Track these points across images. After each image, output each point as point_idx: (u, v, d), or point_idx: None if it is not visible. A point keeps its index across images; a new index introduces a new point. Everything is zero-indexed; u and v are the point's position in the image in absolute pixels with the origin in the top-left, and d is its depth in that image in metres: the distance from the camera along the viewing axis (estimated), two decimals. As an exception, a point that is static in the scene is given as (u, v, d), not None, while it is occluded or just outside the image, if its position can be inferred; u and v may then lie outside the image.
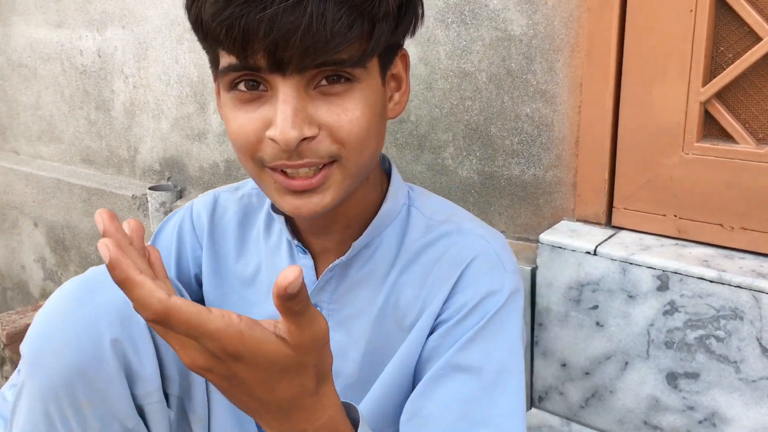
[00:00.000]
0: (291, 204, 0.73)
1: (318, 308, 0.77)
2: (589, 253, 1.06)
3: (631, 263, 1.03)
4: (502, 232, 1.23)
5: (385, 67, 0.75)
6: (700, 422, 1.01)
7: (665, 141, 1.05)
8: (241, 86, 0.70)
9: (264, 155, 0.71)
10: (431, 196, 0.89)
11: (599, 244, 1.06)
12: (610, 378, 1.08)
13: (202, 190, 1.66)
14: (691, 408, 1.02)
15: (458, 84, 1.21)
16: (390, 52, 0.75)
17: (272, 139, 0.68)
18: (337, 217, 0.81)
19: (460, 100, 1.22)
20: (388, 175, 0.86)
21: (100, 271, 0.78)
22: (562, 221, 1.16)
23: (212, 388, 0.84)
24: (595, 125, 1.10)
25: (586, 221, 1.14)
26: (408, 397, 0.78)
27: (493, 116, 1.19)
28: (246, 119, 0.70)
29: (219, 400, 0.84)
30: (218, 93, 0.79)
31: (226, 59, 0.70)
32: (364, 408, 0.81)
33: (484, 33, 1.17)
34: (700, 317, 0.98)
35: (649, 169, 1.07)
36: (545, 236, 1.10)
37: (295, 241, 0.84)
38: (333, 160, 0.72)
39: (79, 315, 0.74)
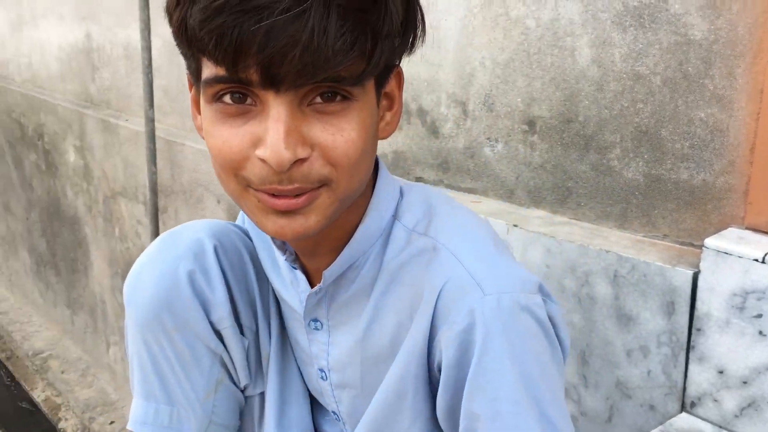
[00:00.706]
0: (275, 224, 0.69)
1: (319, 323, 0.84)
2: (757, 260, 1.05)
3: (802, 274, 1.01)
4: (664, 236, 1.24)
5: (380, 85, 0.72)
6: None
7: None
8: (227, 98, 0.66)
9: (250, 176, 0.67)
10: (418, 200, 0.82)
11: (768, 253, 1.05)
12: (770, 390, 1.06)
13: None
14: None
15: (631, 86, 1.23)
16: (386, 71, 0.72)
17: (262, 160, 0.65)
18: (321, 242, 0.79)
19: (631, 102, 1.24)
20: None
21: (183, 224, 0.90)
22: (730, 228, 1.15)
23: (274, 331, 0.91)
24: (773, 133, 1.08)
25: (756, 230, 1.13)
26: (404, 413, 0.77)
27: (665, 119, 1.20)
28: (231, 134, 0.66)
29: (277, 343, 0.91)
30: (195, 102, 0.75)
31: (211, 70, 0.65)
32: (366, 420, 0.81)
33: (662, 37, 1.18)
34: None
35: (829, 180, 1.05)
36: (711, 241, 1.10)
37: (290, 259, 0.83)
38: (322, 184, 0.68)
39: (161, 257, 0.86)
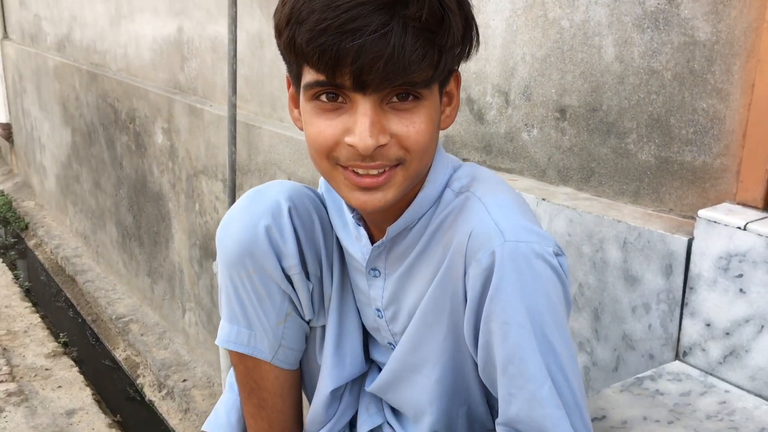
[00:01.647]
0: (358, 199, 0.87)
1: (378, 271, 1.03)
2: (739, 228, 1.23)
3: (775, 239, 1.19)
4: (670, 210, 1.43)
5: (442, 86, 0.88)
6: (823, 384, 1.15)
7: (824, 138, 1.20)
8: (323, 98, 0.83)
9: (339, 156, 0.85)
10: (467, 172, 0.98)
11: (750, 222, 1.23)
12: (747, 339, 1.24)
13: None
14: (816, 371, 1.16)
15: (647, 80, 1.43)
16: (448, 74, 0.89)
17: (351, 145, 0.83)
18: (386, 211, 0.94)
19: (646, 93, 1.43)
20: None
21: (268, 183, 1.09)
22: (724, 203, 1.34)
23: (336, 277, 1.10)
24: (761, 121, 1.26)
25: (745, 204, 1.31)
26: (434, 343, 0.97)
27: (674, 109, 1.39)
28: (326, 125, 0.84)
29: (337, 287, 1.10)
30: (293, 99, 0.93)
31: (312, 76, 0.82)
32: (403, 340, 1.02)
33: (674, 37, 1.37)
34: (831, 290, 1.13)
35: (806, 162, 1.22)
36: (703, 212, 1.29)
37: (356, 218, 1.01)
38: (398, 163, 0.86)
39: (247, 211, 1.04)
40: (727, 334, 1.28)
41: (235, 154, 2.71)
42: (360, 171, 0.86)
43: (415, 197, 0.96)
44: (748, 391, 1.25)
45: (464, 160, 1.87)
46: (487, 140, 1.80)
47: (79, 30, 4.59)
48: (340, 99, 0.83)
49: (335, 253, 1.11)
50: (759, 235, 1.21)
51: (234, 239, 1.04)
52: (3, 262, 4.84)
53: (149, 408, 3.39)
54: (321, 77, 0.81)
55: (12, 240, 5.53)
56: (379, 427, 1.15)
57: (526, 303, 0.85)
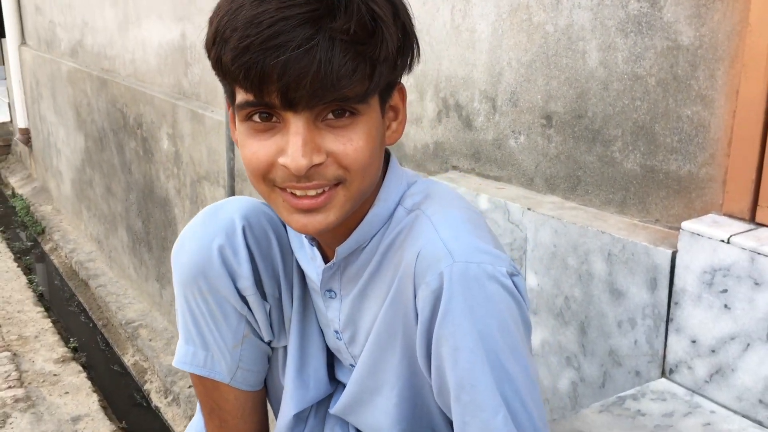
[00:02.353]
0: (298, 222, 0.85)
1: (333, 293, 0.99)
2: (723, 241, 1.18)
3: (759, 253, 1.13)
4: (656, 220, 1.38)
5: (384, 100, 0.85)
6: (809, 406, 1.10)
7: (811, 147, 1.14)
8: (256, 118, 0.80)
9: (275, 177, 0.82)
10: (421, 188, 0.94)
11: (734, 235, 1.18)
12: (733, 357, 1.19)
13: (415, 167, 1.96)
14: (803, 392, 1.10)
15: (631, 86, 1.38)
16: (389, 87, 0.84)
17: (285, 166, 0.80)
18: (336, 231, 0.91)
19: (631, 100, 1.38)
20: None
21: (226, 200, 1.05)
22: (710, 214, 1.28)
23: (296, 298, 1.06)
24: (747, 129, 1.21)
25: (731, 216, 1.25)
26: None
27: (658, 116, 1.34)
28: (259, 146, 0.81)
29: (298, 308, 1.07)
30: (233, 120, 0.89)
31: (242, 96, 0.79)
32: (360, 362, 0.99)
33: (657, 42, 1.32)
34: (817, 308, 1.07)
35: (793, 172, 1.17)
36: (687, 224, 1.23)
37: (309, 238, 0.98)
38: (338, 183, 0.82)
39: (201, 229, 1.01)
40: (713, 351, 1.22)
41: (234, 160, 2.69)
42: (298, 192, 0.83)
43: (363, 216, 0.92)
44: (735, 412, 1.20)
45: (453, 168, 1.83)
46: (475, 147, 1.75)
47: (91, 36, 4.61)
48: (274, 119, 0.80)
49: (295, 272, 1.08)
50: (743, 248, 1.15)
51: (188, 258, 1.02)
52: (18, 266, 4.88)
53: (155, 414, 3.39)
54: (250, 97, 0.78)
55: (29, 244, 5.58)
56: (345, 449, 1.12)
57: (478, 327, 0.81)
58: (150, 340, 3.86)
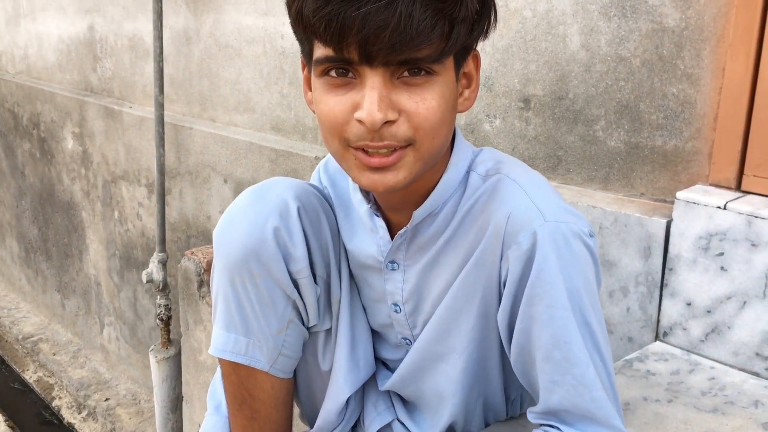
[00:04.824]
0: (369, 179, 0.84)
1: (396, 264, 0.99)
2: (719, 207, 1.27)
3: (756, 216, 1.23)
4: (641, 194, 1.46)
5: (459, 65, 0.85)
6: (807, 354, 1.20)
7: (794, 119, 1.25)
8: (333, 73, 0.81)
9: (350, 135, 0.82)
10: (489, 156, 0.95)
11: (729, 201, 1.27)
12: (730, 315, 1.28)
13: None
14: (800, 341, 1.20)
15: (614, 67, 1.45)
16: (464, 53, 0.84)
17: (359, 121, 0.79)
18: (407, 197, 0.92)
19: (614, 81, 1.46)
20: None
21: (270, 180, 1.02)
22: (697, 185, 1.37)
23: (344, 279, 1.05)
24: (733, 104, 1.31)
25: (718, 185, 1.35)
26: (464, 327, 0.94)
27: (643, 95, 1.42)
28: (336, 101, 0.81)
29: (346, 289, 1.06)
30: (307, 80, 0.90)
31: (321, 51, 0.80)
32: (428, 329, 0.98)
33: (642, 25, 1.40)
34: (813, 263, 1.17)
35: (778, 142, 1.27)
36: (682, 193, 1.32)
37: (373, 209, 0.97)
38: (408, 144, 0.82)
39: (251, 210, 0.97)
40: (709, 312, 1.31)
41: (164, 156, 2.58)
42: (370, 150, 0.82)
43: (436, 183, 0.92)
44: (732, 366, 1.29)
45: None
46: (445, 133, 1.78)
47: (-32, 31, 4.26)
48: (350, 74, 0.80)
49: (342, 253, 1.06)
50: (739, 213, 1.24)
51: (238, 240, 0.96)
52: None
53: (68, 431, 3.18)
54: (329, 51, 0.78)
55: None
56: (388, 425, 1.10)
57: (568, 285, 0.84)
58: (54, 354, 3.61)
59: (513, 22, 1.60)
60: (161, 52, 2.50)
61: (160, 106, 2.53)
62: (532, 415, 0.89)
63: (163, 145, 2.57)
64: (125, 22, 2.90)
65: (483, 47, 1.66)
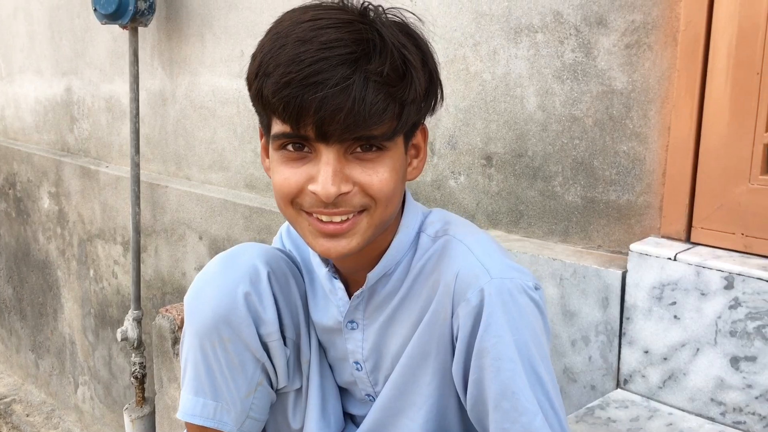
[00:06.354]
0: (322, 246, 0.89)
1: (355, 323, 1.04)
2: (670, 258, 1.33)
3: (704, 267, 1.29)
4: (598, 246, 1.52)
5: (408, 138, 0.91)
6: (757, 398, 1.25)
7: (735, 174, 1.33)
8: (290, 147, 0.86)
9: (303, 202, 0.88)
10: (438, 217, 1.01)
11: (679, 252, 1.33)
12: (685, 362, 1.33)
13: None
14: (750, 386, 1.26)
15: (569, 127, 1.53)
16: (413, 127, 0.91)
17: (314, 193, 0.85)
18: (361, 260, 0.97)
19: (569, 139, 1.54)
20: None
21: (240, 246, 1.07)
22: (650, 237, 1.44)
23: (313, 339, 1.09)
24: (679, 161, 1.38)
25: (669, 237, 1.42)
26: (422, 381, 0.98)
27: (596, 152, 1.50)
28: (291, 173, 0.87)
29: (315, 349, 1.10)
30: (265, 149, 0.95)
31: (279, 127, 0.85)
32: (388, 385, 1.02)
33: (593, 87, 1.49)
34: (758, 310, 1.24)
35: (722, 196, 1.35)
36: (635, 246, 1.38)
37: (331, 272, 1.01)
38: (362, 210, 0.88)
39: (222, 276, 1.01)
40: (665, 359, 1.36)
41: (139, 215, 2.62)
42: (323, 218, 0.87)
43: (388, 245, 0.98)
44: (689, 412, 1.34)
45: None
46: (413, 188, 1.85)
47: (-54, 92, 4.31)
48: (306, 149, 0.86)
49: (309, 315, 1.10)
50: (688, 264, 1.31)
51: (209, 306, 1.00)
52: None
53: (41, 495, 3.12)
54: (287, 128, 0.84)
55: None
56: (358, 480, 1.13)
57: (515, 337, 0.89)
58: (27, 416, 3.56)
59: (474, 84, 1.69)
60: (137, 113, 2.56)
61: (136, 166, 2.58)
62: None
63: (138, 204, 2.61)
64: (102, 84, 2.97)
65: (447, 107, 1.74)
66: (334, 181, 0.84)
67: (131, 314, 2.63)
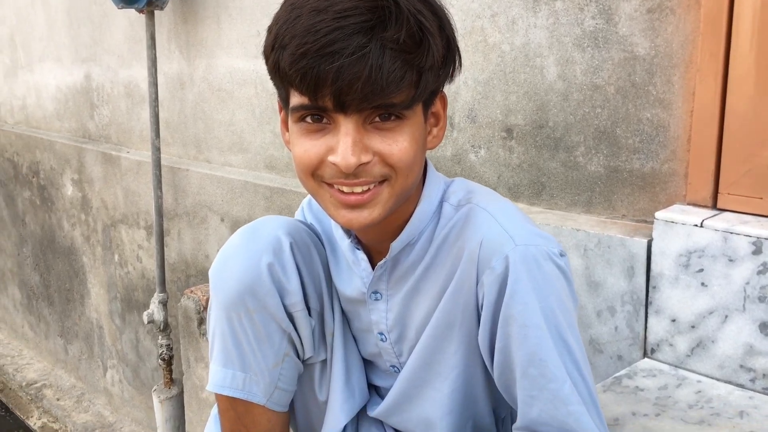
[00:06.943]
0: (344, 217, 0.89)
1: (379, 294, 1.03)
2: (696, 225, 1.31)
3: (731, 233, 1.27)
4: (623, 216, 1.50)
5: (427, 106, 0.90)
6: (788, 363, 1.24)
7: (762, 138, 1.30)
8: (308, 119, 0.86)
9: (324, 174, 0.87)
10: (461, 186, 1.00)
11: (705, 219, 1.31)
12: (713, 330, 1.32)
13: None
14: (781, 352, 1.24)
15: (590, 95, 1.51)
16: (432, 95, 0.90)
17: (334, 164, 0.85)
18: (384, 230, 0.97)
19: (591, 108, 1.52)
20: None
21: (262, 219, 1.07)
22: (675, 205, 1.42)
23: (336, 311, 1.09)
24: (704, 126, 1.36)
25: (695, 204, 1.40)
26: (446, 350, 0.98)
27: (619, 121, 1.48)
28: (311, 145, 0.87)
29: (339, 321, 1.10)
30: (284, 122, 0.95)
31: (297, 99, 0.85)
32: (414, 356, 1.02)
33: (614, 54, 1.46)
34: (788, 275, 1.22)
35: (749, 160, 1.32)
36: (660, 214, 1.36)
37: (354, 243, 1.01)
38: (383, 180, 0.87)
39: (245, 248, 1.01)
40: (693, 327, 1.35)
41: (161, 198, 2.63)
42: (345, 189, 0.87)
43: (411, 215, 0.97)
44: (718, 380, 1.32)
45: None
46: (433, 163, 1.83)
47: (-33, 84, 4.35)
48: (325, 120, 0.86)
49: (333, 286, 1.10)
50: (716, 230, 1.29)
51: (234, 278, 1.01)
52: None
53: (75, 476, 3.18)
54: (305, 100, 0.84)
55: None
56: (382, 451, 1.13)
57: (541, 304, 0.88)
58: (58, 400, 3.62)
59: (492, 56, 1.67)
60: (156, 98, 2.57)
61: (156, 150, 2.59)
62: (515, 429, 0.93)
63: (160, 188, 2.62)
64: (121, 69, 2.98)
65: (465, 80, 1.73)
66: (353, 151, 0.84)
67: (156, 297, 2.66)
